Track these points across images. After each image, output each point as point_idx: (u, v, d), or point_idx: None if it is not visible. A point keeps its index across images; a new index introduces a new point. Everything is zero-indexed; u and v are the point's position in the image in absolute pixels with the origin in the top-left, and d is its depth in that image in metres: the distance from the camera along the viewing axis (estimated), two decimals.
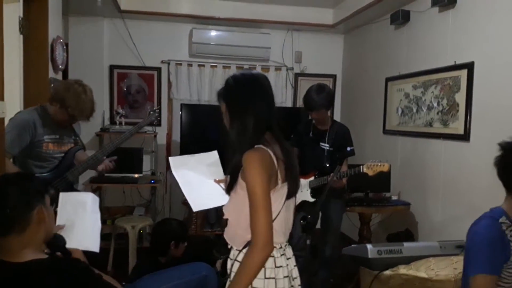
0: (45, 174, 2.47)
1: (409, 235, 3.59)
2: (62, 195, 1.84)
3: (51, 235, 1.52)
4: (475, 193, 2.98)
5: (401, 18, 3.83)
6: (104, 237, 1.97)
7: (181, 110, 4.48)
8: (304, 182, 3.12)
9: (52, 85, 3.00)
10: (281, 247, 1.52)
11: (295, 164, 1.55)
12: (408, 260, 2.50)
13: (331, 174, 2.86)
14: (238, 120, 1.48)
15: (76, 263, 1.48)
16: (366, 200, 3.68)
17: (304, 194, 3.13)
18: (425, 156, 3.60)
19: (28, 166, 2.47)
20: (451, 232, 3.17)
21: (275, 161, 1.44)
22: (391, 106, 4.15)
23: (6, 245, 1.37)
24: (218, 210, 4.43)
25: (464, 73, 3.10)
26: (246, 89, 1.50)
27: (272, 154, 1.45)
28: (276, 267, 1.48)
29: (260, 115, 1.47)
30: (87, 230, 1.75)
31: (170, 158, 1.84)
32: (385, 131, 4.26)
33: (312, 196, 3.11)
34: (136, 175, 4.41)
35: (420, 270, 2.34)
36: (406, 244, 2.64)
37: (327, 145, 3.15)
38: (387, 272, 2.49)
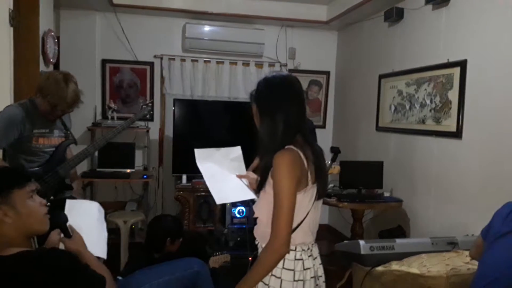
0: (35, 169, 2.43)
1: (401, 232, 3.61)
2: (69, 202, 1.81)
3: (37, 229, 1.49)
4: (467, 190, 3.01)
5: (395, 15, 3.83)
6: None
7: (174, 105, 4.45)
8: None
9: None
10: (308, 248, 1.56)
11: (324, 165, 1.58)
12: (401, 256, 2.51)
13: None
14: (268, 122, 1.50)
15: (60, 253, 1.46)
16: (359, 196, 3.70)
17: None
18: (417, 153, 3.62)
19: (18, 160, 2.43)
20: (443, 228, 3.20)
21: (305, 162, 1.46)
22: (384, 103, 4.16)
23: None
24: (211, 206, 4.43)
25: (457, 70, 3.12)
26: (277, 92, 1.51)
27: (302, 155, 1.46)
28: (304, 269, 1.51)
29: (290, 117, 1.49)
30: (93, 236, 1.72)
31: (196, 150, 1.85)
32: (378, 128, 4.28)
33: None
34: (128, 170, 4.39)
35: (412, 266, 2.36)
36: (398, 240, 2.65)
37: None
38: (380, 268, 2.50)
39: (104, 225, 1.89)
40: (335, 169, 3.44)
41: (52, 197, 2.46)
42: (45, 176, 2.45)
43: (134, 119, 2.90)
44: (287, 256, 1.49)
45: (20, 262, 1.35)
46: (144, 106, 3.04)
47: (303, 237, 1.52)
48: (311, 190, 1.50)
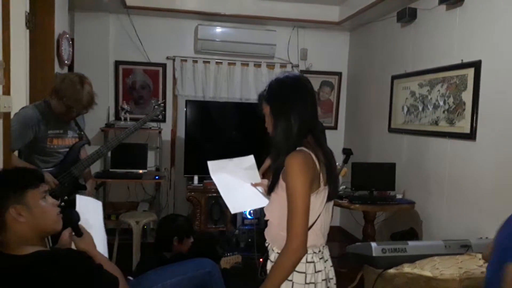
0: (50, 169, 2.47)
1: (414, 234, 3.58)
2: (79, 197, 1.84)
3: (50, 229, 1.52)
4: (481, 192, 2.97)
5: (407, 16, 3.80)
6: (108, 232, 1.97)
7: (186, 107, 4.48)
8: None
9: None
10: (320, 251, 1.55)
11: (335, 167, 1.57)
12: (413, 259, 2.49)
13: None
14: (282, 123, 1.49)
15: (76, 254, 1.49)
16: (371, 198, 3.67)
17: None
18: (430, 155, 3.58)
19: (33, 161, 2.47)
20: (456, 231, 3.16)
21: (317, 164, 1.46)
22: (397, 104, 4.13)
23: (5, 241, 1.42)
24: (222, 206, 4.44)
25: (471, 71, 3.08)
26: (291, 92, 1.51)
27: (314, 156, 1.46)
28: (315, 272, 1.51)
29: (304, 117, 1.48)
30: (100, 235, 1.74)
31: (209, 162, 1.85)
32: (391, 130, 4.25)
33: None
34: (141, 171, 4.43)
35: (424, 269, 2.33)
36: (410, 242, 2.63)
37: None
38: (391, 271, 2.48)
39: (103, 226, 1.90)
40: (343, 171, 3.43)
41: (66, 197, 2.50)
42: (59, 176, 2.48)
43: (146, 120, 2.92)
44: None
45: (36, 262, 1.37)
46: (156, 106, 3.05)
47: (315, 239, 1.51)
48: (323, 192, 1.49)
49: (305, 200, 1.41)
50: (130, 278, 2.42)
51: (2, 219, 1.40)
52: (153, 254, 2.85)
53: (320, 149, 1.51)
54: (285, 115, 1.48)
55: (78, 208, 1.74)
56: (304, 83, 1.55)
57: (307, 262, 1.50)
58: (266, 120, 1.57)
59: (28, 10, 2.60)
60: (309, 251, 1.50)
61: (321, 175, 1.47)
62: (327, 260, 1.59)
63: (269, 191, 1.57)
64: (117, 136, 2.75)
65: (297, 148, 1.46)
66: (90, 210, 1.81)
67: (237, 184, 1.83)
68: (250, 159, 1.89)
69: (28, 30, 2.60)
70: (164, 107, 4.75)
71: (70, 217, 1.61)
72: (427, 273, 2.31)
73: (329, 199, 1.53)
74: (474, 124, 3.04)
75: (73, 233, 1.62)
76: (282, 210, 1.47)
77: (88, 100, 2.42)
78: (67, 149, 2.57)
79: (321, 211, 1.51)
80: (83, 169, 2.64)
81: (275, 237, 1.54)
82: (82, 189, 2.65)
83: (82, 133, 2.72)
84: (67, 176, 2.52)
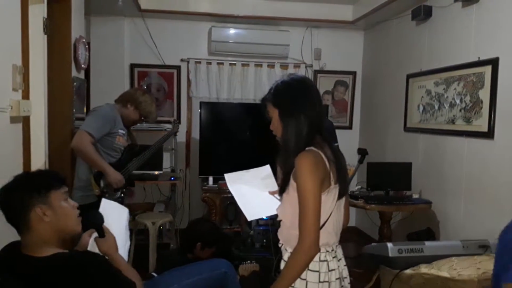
0: (112, 162, 2.81)
1: (430, 234, 3.53)
2: (104, 201, 1.87)
3: (71, 230, 1.54)
4: (499, 192, 2.92)
5: (422, 13, 3.76)
6: None
7: (200, 108, 4.51)
8: None
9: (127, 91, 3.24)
10: (332, 249, 1.55)
11: (345, 165, 1.58)
12: (430, 259, 2.46)
13: None
14: (293, 123, 1.50)
15: (95, 257, 1.50)
16: (387, 198, 3.64)
17: None
18: (447, 154, 3.54)
19: (99, 152, 2.75)
20: (474, 231, 3.11)
21: (327, 163, 1.47)
22: (412, 103, 4.09)
23: (26, 242, 1.45)
24: (237, 207, 4.45)
25: (488, 69, 3.03)
26: (298, 93, 1.53)
27: (323, 156, 1.47)
28: (329, 270, 1.51)
29: (312, 118, 1.50)
30: (120, 241, 1.74)
31: (226, 175, 1.88)
32: (406, 129, 4.20)
33: None
34: (156, 172, 4.47)
35: (442, 270, 2.31)
36: (427, 243, 2.60)
37: None
38: (408, 271, 2.46)
39: (128, 233, 1.92)
40: (350, 170, 3.37)
41: (124, 189, 2.92)
42: (121, 170, 2.82)
43: (166, 137, 3.40)
44: None
45: (53, 264, 1.39)
46: (175, 124, 3.69)
47: (327, 237, 1.52)
48: (334, 190, 1.50)
49: (316, 199, 1.42)
50: (154, 274, 2.46)
51: (27, 219, 1.43)
52: (178, 252, 2.89)
53: (329, 148, 1.52)
54: (294, 116, 1.50)
55: (102, 211, 1.77)
56: (310, 83, 1.58)
57: (320, 260, 1.50)
58: (273, 123, 1.57)
59: (45, 16, 2.66)
60: (322, 249, 1.51)
61: (331, 173, 1.48)
62: (340, 259, 1.59)
63: (280, 192, 1.58)
64: (155, 144, 3.26)
65: (307, 148, 1.48)
66: (114, 215, 1.83)
67: (254, 192, 1.84)
68: (267, 169, 1.90)
69: (45, 36, 2.65)
70: (179, 109, 4.92)
71: (94, 218, 1.63)
72: (444, 273, 2.29)
73: (340, 196, 1.54)
74: (491, 123, 2.99)
75: (97, 235, 1.65)
76: (294, 210, 1.48)
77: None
78: (123, 148, 2.92)
79: (332, 209, 1.52)
80: (135, 168, 3.04)
81: (288, 237, 1.55)
82: (132, 186, 3.12)
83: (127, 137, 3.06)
84: (125, 172, 2.89)
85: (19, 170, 2.19)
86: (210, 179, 4.30)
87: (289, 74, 1.67)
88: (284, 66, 5.01)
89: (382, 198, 3.64)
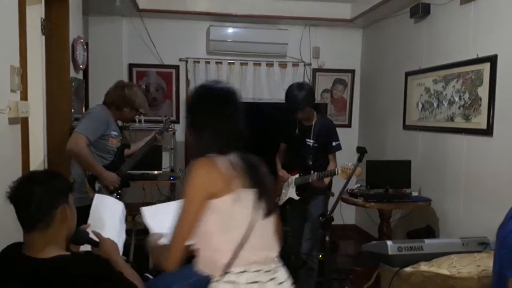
0: (106, 164, 2.76)
1: (430, 232, 3.54)
2: (97, 196, 1.87)
3: (72, 232, 1.55)
4: (498, 189, 2.92)
5: (421, 11, 3.76)
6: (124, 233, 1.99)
7: None
8: (290, 179, 3.19)
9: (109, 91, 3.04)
10: (270, 270, 1.38)
11: (262, 174, 1.45)
12: (429, 257, 2.47)
13: (312, 173, 3.01)
14: (197, 136, 1.45)
15: (97, 260, 1.50)
16: (386, 196, 3.64)
17: (291, 191, 3.17)
18: (446, 152, 3.54)
19: (93, 155, 2.71)
20: (473, 228, 3.11)
21: (224, 167, 1.35)
22: (411, 101, 4.09)
23: (31, 241, 1.43)
24: None
25: (486, 66, 3.03)
26: (211, 107, 1.45)
27: (221, 161, 1.37)
28: None
29: (219, 135, 1.41)
30: (113, 236, 1.73)
31: (141, 209, 1.77)
32: (405, 127, 4.20)
33: (297, 194, 3.15)
34: (156, 172, 4.46)
35: (442, 267, 2.31)
36: (427, 240, 2.61)
37: (312, 141, 3.12)
38: (408, 269, 2.47)
39: (124, 227, 1.92)
40: (357, 171, 3.32)
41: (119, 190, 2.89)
42: (115, 172, 2.80)
43: (162, 131, 3.27)
44: (236, 279, 1.33)
45: (55, 266, 1.39)
46: (166, 120, 3.41)
47: (256, 254, 1.34)
48: (245, 197, 1.36)
49: (190, 207, 1.34)
50: (149, 276, 2.44)
51: (52, 215, 1.41)
52: None
53: (239, 155, 1.42)
54: (200, 130, 1.45)
55: (94, 206, 1.77)
56: (228, 96, 1.50)
57: (247, 283, 1.33)
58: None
59: (43, 16, 2.65)
60: (252, 268, 1.34)
61: (232, 179, 1.35)
62: (282, 282, 1.40)
63: None
64: (141, 149, 3.08)
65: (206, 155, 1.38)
66: (106, 209, 1.83)
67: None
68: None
69: (43, 36, 2.65)
70: (178, 109, 4.89)
71: (79, 237, 1.60)
72: (444, 271, 2.29)
73: (267, 215, 1.40)
74: (490, 120, 2.99)
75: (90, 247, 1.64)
76: (203, 228, 1.37)
77: (147, 102, 3.07)
78: (116, 150, 2.87)
79: (253, 221, 1.36)
80: (130, 168, 2.99)
81: (207, 262, 1.41)
82: (127, 186, 3.09)
83: (121, 137, 3.00)
84: (119, 173, 2.85)
85: (18, 171, 2.19)
86: None
87: (209, 81, 1.58)
88: (282, 65, 5.01)
89: (382, 196, 3.64)
